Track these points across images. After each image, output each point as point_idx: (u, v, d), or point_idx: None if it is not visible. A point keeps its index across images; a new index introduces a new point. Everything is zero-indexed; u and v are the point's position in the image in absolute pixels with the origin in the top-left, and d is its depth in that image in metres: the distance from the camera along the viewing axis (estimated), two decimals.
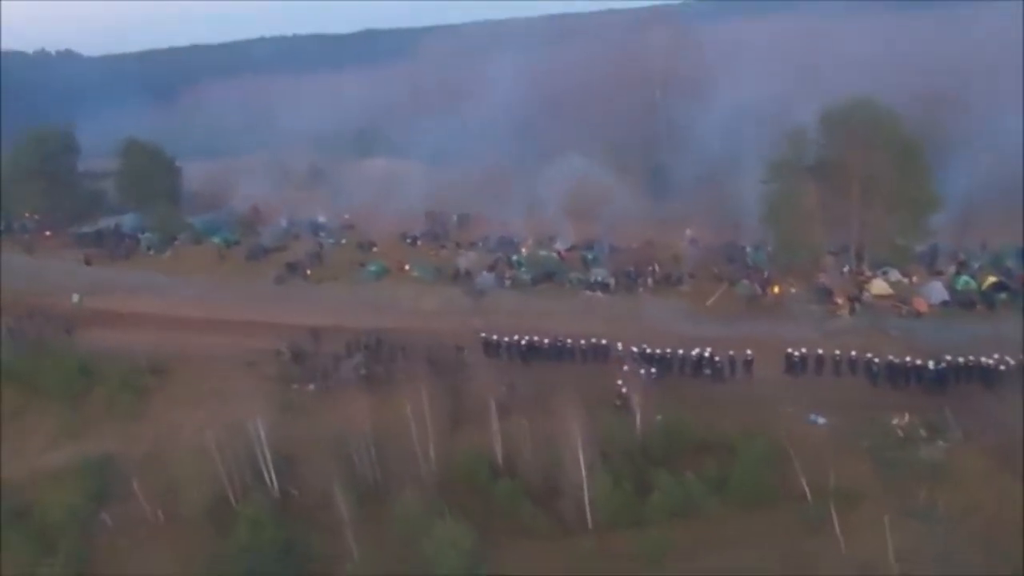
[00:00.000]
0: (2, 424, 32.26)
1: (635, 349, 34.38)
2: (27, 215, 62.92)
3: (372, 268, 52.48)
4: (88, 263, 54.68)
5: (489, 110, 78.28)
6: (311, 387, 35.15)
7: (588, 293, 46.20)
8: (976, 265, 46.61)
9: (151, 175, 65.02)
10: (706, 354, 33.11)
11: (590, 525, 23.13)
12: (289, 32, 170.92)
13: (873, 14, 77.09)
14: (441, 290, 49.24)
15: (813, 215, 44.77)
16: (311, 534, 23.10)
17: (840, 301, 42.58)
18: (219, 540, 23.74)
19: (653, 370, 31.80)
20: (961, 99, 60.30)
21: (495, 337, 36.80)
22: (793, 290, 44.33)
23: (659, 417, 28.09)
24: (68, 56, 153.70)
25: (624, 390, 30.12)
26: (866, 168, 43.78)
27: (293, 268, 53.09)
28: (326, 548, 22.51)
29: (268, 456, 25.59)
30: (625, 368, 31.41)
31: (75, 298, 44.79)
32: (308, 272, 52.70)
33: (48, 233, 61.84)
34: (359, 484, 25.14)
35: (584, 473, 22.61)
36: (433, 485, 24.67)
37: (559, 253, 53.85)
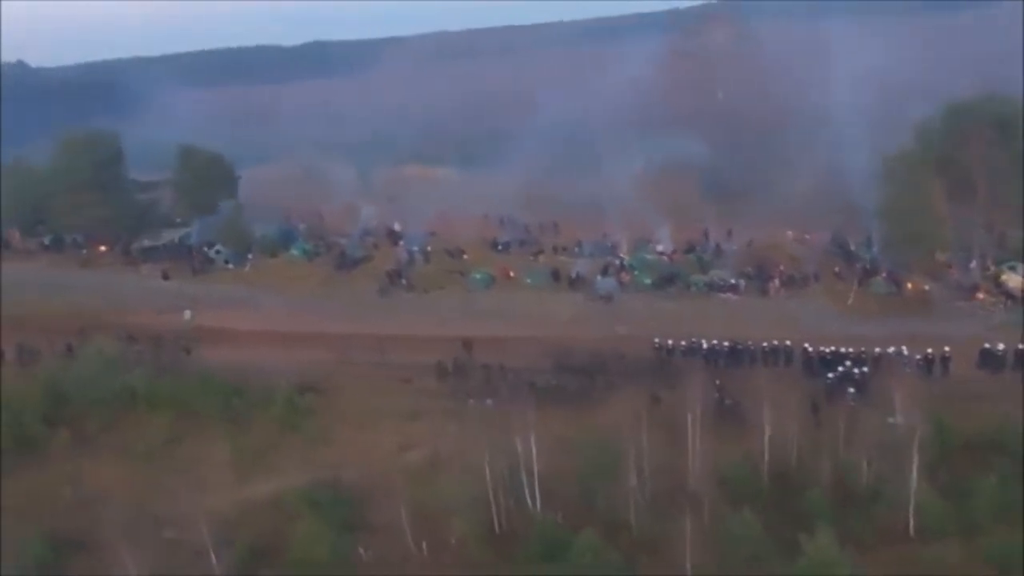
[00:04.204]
0: (163, 453, 29.25)
1: (824, 350, 33.34)
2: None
3: (478, 276, 50.37)
4: (166, 278, 51.05)
5: (545, 116, 77.85)
6: (488, 402, 33.19)
7: (721, 296, 45.70)
8: None
9: (211, 184, 61.76)
10: (904, 352, 32.62)
11: (912, 532, 21.97)
12: (235, 44, 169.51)
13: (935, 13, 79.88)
14: (561, 296, 47.63)
15: (937, 210, 45.19)
16: (639, 557, 21.12)
17: (982, 296, 42.97)
18: (507, 568, 21.59)
19: (865, 369, 31.08)
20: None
21: (670, 343, 35.61)
22: (927, 287, 44.68)
23: (893, 419, 27.19)
24: (19, 67, 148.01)
25: (851, 390, 29.28)
26: (993, 162, 44.39)
27: (393, 278, 50.87)
28: (659, 570, 20.60)
29: (536, 476, 23.45)
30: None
31: (187, 315, 41.38)
32: (405, 282, 50.63)
33: (103, 248, 57.97)
34: (628, 502, 23.34)
35: (914, 476, 21.38)
36: (710, 498, 23.09)
37: (668, 255, 53.37)
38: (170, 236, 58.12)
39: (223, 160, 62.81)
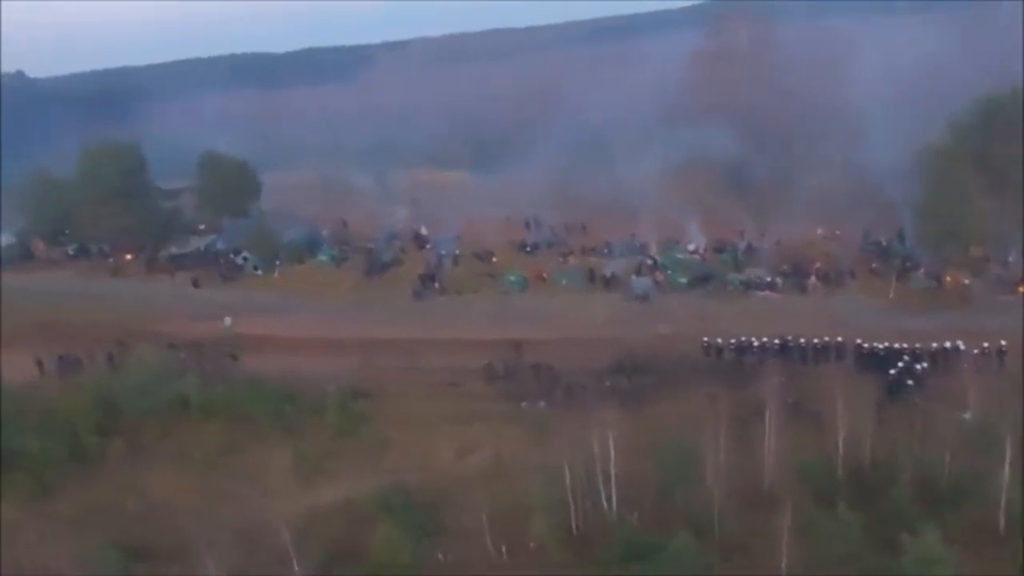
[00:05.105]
0: (222, 461, 28.83)
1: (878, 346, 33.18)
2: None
3: (512, 278, 50.13)
4: (196, 286, 50.77)
5: (559, 118, 77.71)
6: (541, 404, 32.88)
7: (759, 294, 45.49)
8: None
9: (234, 191, 61.62)
10: (961, 346, 32.42)
11: (1002, 530, 21.60)
12: (229, 51, 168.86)
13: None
14: (597, 297, 47.30)
15: (974, 204, 44.96)
16: (731, 557, 20.80)
17: (1022, 289, 42.78)
18: (590, 570, 21.23)
19: (924, 365, 30.89)
20: None
21: (719, 341, 35.41)
22: (966, 282, 44.49)
23: (965, 415, 26.97)
24: (18, 78, 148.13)
25: (912, 386, 29.07)
26: None
27: (426, 282, 50.58)
28: (751, 571, 20.42)
29: (612, 478, 23.22)
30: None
31: (227, 322, 41.16)
32: (438, 285, 50.45)
33: (129, 256, 57.68)
34: (706, 502, 23.08)
35: (1005, 472, 21.12)
36: (791, 497, 22.72)
37: (700, 255, 53.21)
38: (196, 243, 58.09)
39: (247, 166, 62.81)
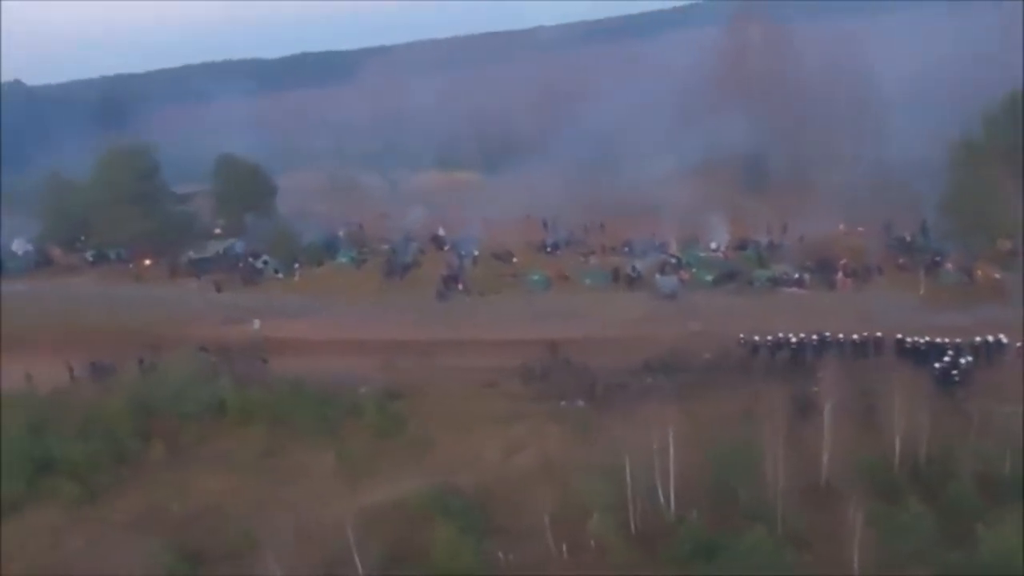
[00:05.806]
0: (265, 464, 28.48)
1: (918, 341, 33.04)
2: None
3: (535, 278, 49.95)
4: (219, 290, 50.45)
5: (570, 118, 77.52)
6: (580, 403, 32.64)
7: (787, 290, 45.31)
8: None
9: (251, 194, 61.41)
10: (1004, 340, 32.21)
11: None
12: (220, 57, 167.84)
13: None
14: (624, 296, 47.16)
15: (1003, 198, 44.83)
16: (803, 555, 20.60)
17: None
18: (654, 568, 20.89)
19: (970, 359, 30.65)
20: None
21: (756, 338, 35.17)
22: (997, 275, 44.32)
23: (1016, 409, 26.69)
24: (16, 86, 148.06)
25: (955, 375, 28.89)
26: None
27: (449, 283, 50.33)
28: (823, 568, 20.12)
29: (671, 476, 22.87)
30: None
31: (256, 325, 40.96)
32: (461, 286, 50.24)
33: (148, 261, 57.40)
34: (766, 498, 22.83)
35: None
36: (855, 493, 22.28)
37: (722, 252, 52.99)
38: (215, 247, 57.80)
39: (261, 170, 62.63)
